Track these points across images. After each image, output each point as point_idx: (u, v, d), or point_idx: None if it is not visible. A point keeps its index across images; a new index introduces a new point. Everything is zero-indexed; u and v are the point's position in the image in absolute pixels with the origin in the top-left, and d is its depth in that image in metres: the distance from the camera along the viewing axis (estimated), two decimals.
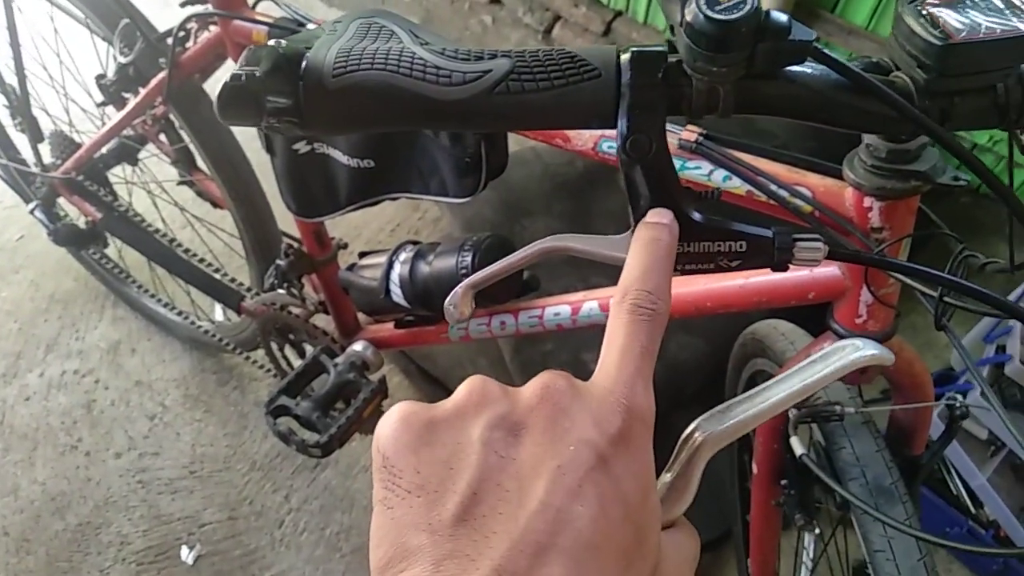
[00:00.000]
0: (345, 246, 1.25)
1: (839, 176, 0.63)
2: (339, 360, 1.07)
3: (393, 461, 0.28)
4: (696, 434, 0.32)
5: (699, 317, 0.79)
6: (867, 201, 0.61)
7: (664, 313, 0.32)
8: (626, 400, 0.29)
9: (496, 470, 0.27)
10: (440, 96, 0.39)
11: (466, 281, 0.43)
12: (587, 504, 0.26)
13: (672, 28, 0.38)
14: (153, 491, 1.64)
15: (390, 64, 0.40)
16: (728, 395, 1.12)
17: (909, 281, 0.53)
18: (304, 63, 0.40)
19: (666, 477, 0.33)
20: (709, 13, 0.34)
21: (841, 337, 0.70)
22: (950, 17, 0.38)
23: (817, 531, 0.95)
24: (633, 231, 0.40)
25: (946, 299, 0.55)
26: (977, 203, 1.94)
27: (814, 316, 0.76)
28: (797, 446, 0.74)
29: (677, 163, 0.70)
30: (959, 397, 0.72)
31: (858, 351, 0.35)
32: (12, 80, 1.37)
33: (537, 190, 1.88)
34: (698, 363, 1.52)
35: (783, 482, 0.87)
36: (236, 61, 1.00)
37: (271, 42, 0.39)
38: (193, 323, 1.61)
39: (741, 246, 0.39)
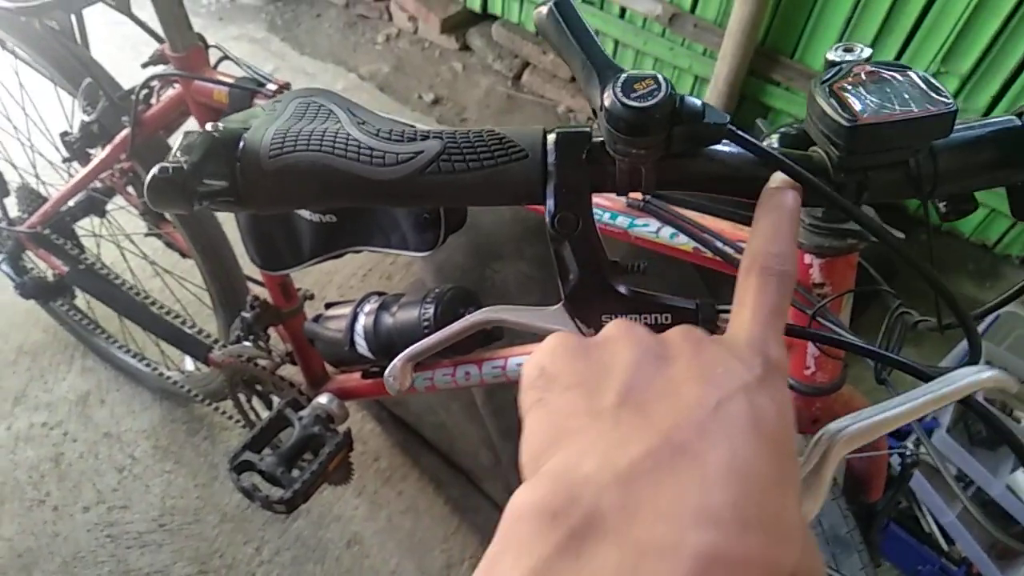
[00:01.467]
0: (311, 296, 1.25)
1: None
2: (304, 413, 1.07)
3: (550, 369, 0.30)
4: (828, 434, 0.33)
5: None
6: (807, 258, 0.63)
7: (792, 274, 0.34)
8: (763, 350, 0.30)
9: (650, 377, 0.28)
10: (374, 176, 0.41)
11: (403, 354, 0.43)
12: (740, 406, 0.26)
13: (594, 111, 0.39)
14: (122, 545, 1.61)
15: (325, 145, 0.41)
16: None
17: (844, 348, 0.55)
18: (241, 144, 0.41)
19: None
20: (625, 100, 0.36)
21: (792, 388, 0.71)
22: (858, 98, 0.39)
23: None
24: (563, 304, 0.41)
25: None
26: (937, 241, 1.98)
27: None
28: None
29: (626, 221, 0.71)
30: (909, 446, 0.73)
31: (980, 372, 0.36)
32: None
33: (508, 234, 1.90)
34: None
35: None
36: (197, 119, 1.02)
37: (208, 126, 0.40)
38: (162, 374, 1.60)
39: (667, 318, 0.40)
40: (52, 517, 1.65)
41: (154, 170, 0.37)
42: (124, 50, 2.56)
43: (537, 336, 0.42)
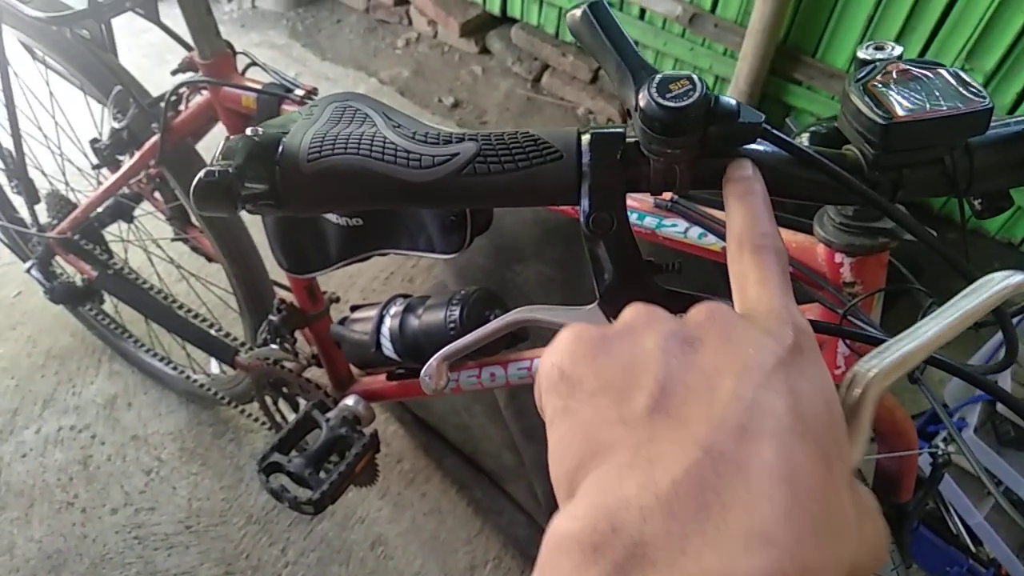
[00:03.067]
0: (337, 299, 1.26)
1: (810, 231, 0.65)
2: (331, 415, 1.08)
3: (571, 372, 0.28)
4: (861, 374, 0.31)
5: None
6: (838, 257, 0.63)
7: (784, 250, 0.33)
8: (790, 316, 0.29)
9: (680, 370, 0.26)
10: (411, 178, 0.41)
11: (440, 353, 0.44)
12: (779, 396, 0.25)
13: (629, 112, 0.39)
14: (149, 547, 1.63)
15: (363, 148, 0.42)
16: None
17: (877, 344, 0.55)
18: (280, 148, 0.42)
19: None
20: (660, 100, 0.36)
21: None
22: (894, 95, 0.39)
23: None
24: (598, 303, 0.41)
25: None
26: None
27: None
28: None
29: (654, 221, 0.72)
30: (941, 445, 0.73)
31: (1007, 278, 0.34)
32: (8, 143, 1.39)
33: (529, 236, 1.91)
34: None
35: None
36: (226, 125, 1.03)
37: (248, 131, 0.41)
38: (189, 377, 1.62)
39: None
40: (81, 519, 1.68)
41: (200, 174, 0.38)
42: (149, 57, 2.60)
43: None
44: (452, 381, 1.08)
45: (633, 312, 0.30)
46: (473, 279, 1.83)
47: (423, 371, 0.44)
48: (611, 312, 0.41)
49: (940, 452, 0.73)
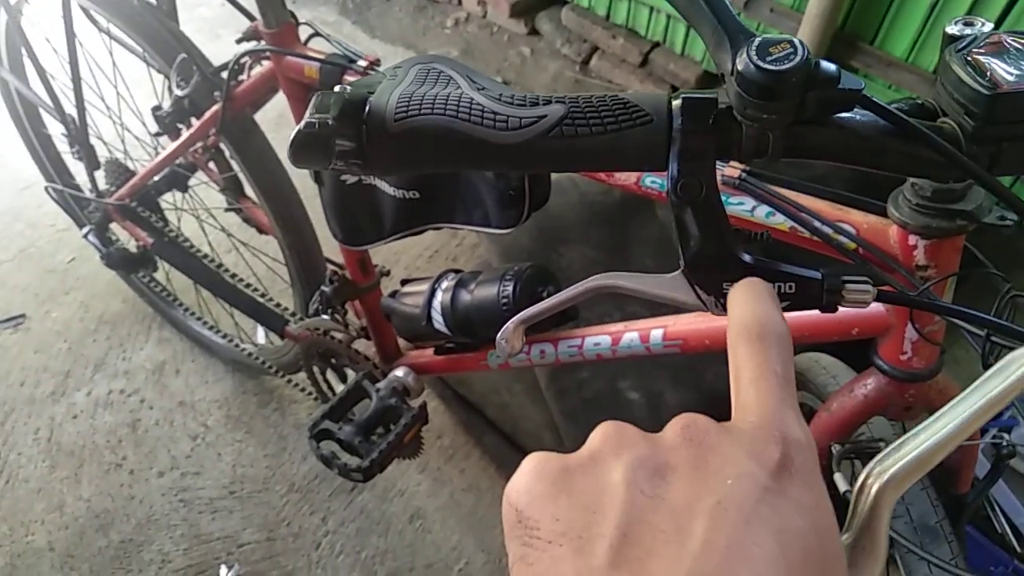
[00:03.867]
0: (387, 273, 1.27)
1: (883, 213, 0.64)
2: (381, 386, 1.09)
3: (528, 513, 0.25)
4: (872, 480, 0.29)
5: None
6: (912, 239, 0.61)
7: (788, 336, 0.30)
8: (779, 430, 0.26)
9: (646, 510, 0.24)
10: (497, 140, 0.41)
11: (517, 316, 0.44)
12: (760, 542, 0.22)
13: (722, 76, 0.39)
14: (194, 510, 1.67)
15: (449, 109, 0.42)
16: None
17: (956, 321, 0.54)
18: (367, 108, 0.42)
19: (846, 538, 0.29)
20: (760, 64, 0.36)
21: (885, 374, 0.70)
22: (998, 66, 0.38)
23: None
24: (683, 271, 0.41)
25: (993, 339, 0.55)
26: (1022, 235, 1.91)
27: (855, 348, 0.76)
28: (841, 483, 0.73)
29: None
30: (1005, 435, 0.71)
31: None
32: (71, 110, 1.42)
33: (574, 218, 1.90)
34: None
35: None
36: (287, 95, 1.04)
37: (337, 88, 0.41)
38: (237, 345, 1.65)
39: (790, 287, 0.39)
40: (128, 480, 1.72)
41: (299, 125, 0.38)
42: (202, 32, 2.63)
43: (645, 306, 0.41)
44: (501, 357, 1.08)
45: (601, 435, 0.27)
46: (517, 260, 1.83)
47: (500, 334, 0.44)
48: (696, 279, 0.40)
49: (1004, 443, 0.72)
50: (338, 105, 0.39)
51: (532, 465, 0.27)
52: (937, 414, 0.30)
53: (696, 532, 0.22)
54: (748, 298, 0.33)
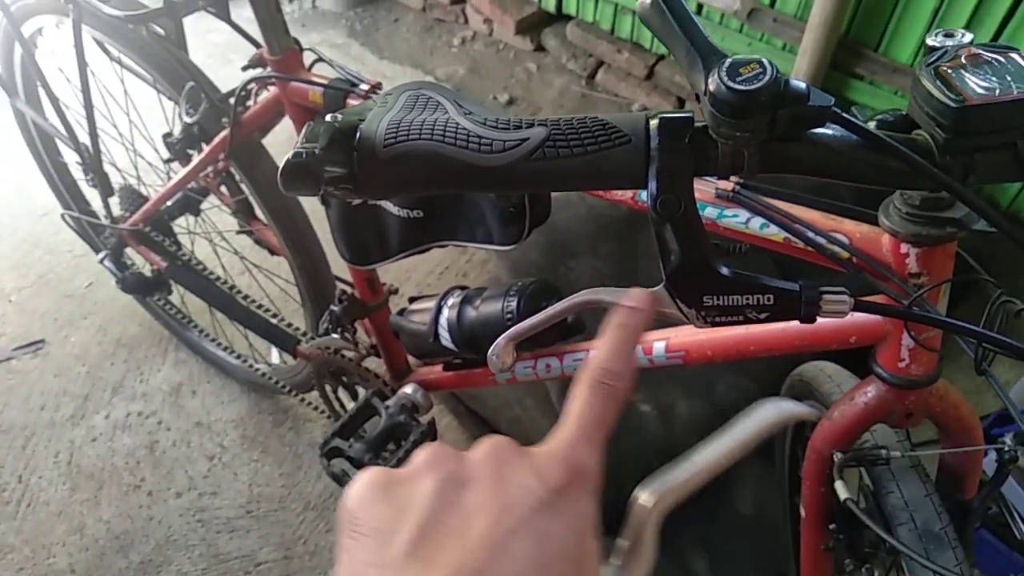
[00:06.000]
0: (396, 291, 1.29)
1: (875, 222, 0.65)
2: (390, 403, 1.10)
3: (355, 513, 0.30)
4: (642, 499, 0.34)
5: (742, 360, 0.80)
6: (904, 247, 0.62)
7: (622, 391, 0.35)
8: (568, 458, 0.31)
9: (443, 513, 0.29)
10: (482, 163, 0.43)
11: (507, 333, 0.45)
12: (525, 541, 0.28)
13: (697, 96, 0.40)
14: (212, 530, 1.68)
15: (436, 134, 0.43)
16: (776, 437, 1.12)
17: (945, 328, 0.54)
18: (358, 135, 0.44)
19: (622, 543, 0.34)
20: (730, 84, 0.37)
21: (884, 381, 0.71)
22: (967, 79, 0.39)
23: (875, 573, 0.93)
24: (664, 285, 0.42)
25: (985, 345, 0.56)
26: None
27: (861, 356, 0.76)
28: (842, 491, 0.74)
29: (714, 212, 0.72)
30: (1008, 441, 0.71)
31: (782, 411, 0.36)
32: (85, 138, 1.46)
33: (582, 232, 1.91)
34: (747, 403, 1.51)
35: (831, 527, 0.87)
36: (293, 119, 1.06)
37: (328, 117, 0.43)
38: (251, 366, 1.67)
39: (768, 299, 0.40)
40: (147, 501, 1.74)
41: (288, 155, 0.40)
42: (214, 57, 2.68)
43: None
44: (508, 372, 1.09)
45: (423, 455, 0.32)
46: (526, 274, 1.84)
47: (491, 350, 0.45)
48: (677, 293, 0.42)
49: (1007, 449, 0.72)
50: (327, 134, 0.41)
51: (367, 477, 0.32)
52: (699, 445, 0.36)
53: (476, 531, 0.28)
54: (607, 343, 0.37)
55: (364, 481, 0.32)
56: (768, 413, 0.36)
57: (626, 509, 0.34)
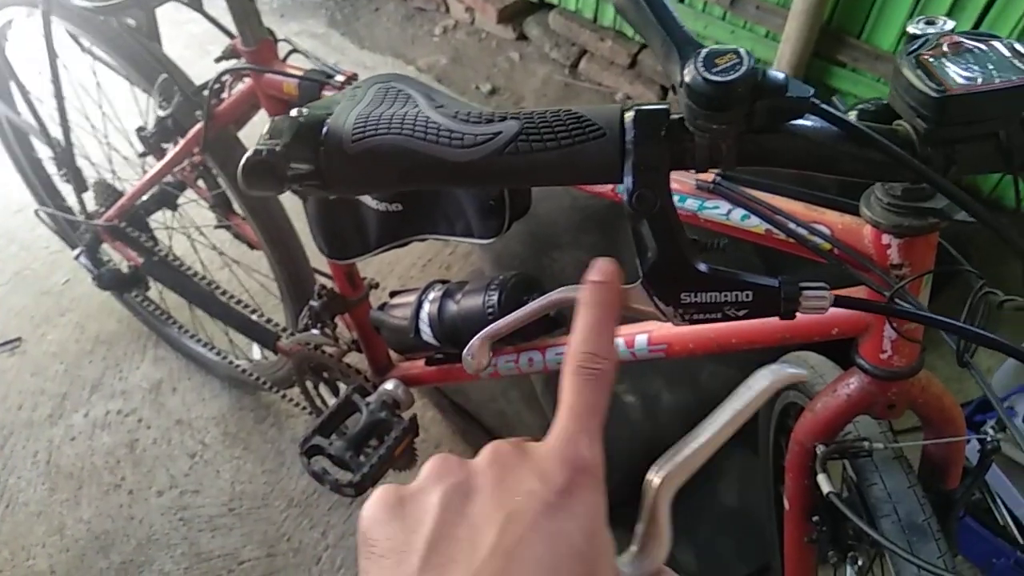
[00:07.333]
0: (376, 285, 1.27)
1: (857, 213, 0.64)
2: (371, 399, 1.09)
3: (369, 534, 0.31)
4: (653, 478, 0.33)
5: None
6: (885, 238, 0.61)
7: (608, 371, 0.34)
8: (570, 456, 0.31)
9: (451, 525, 0.29)
10: (453, 158, 0.41)
11: (482, 333, 0.44)
12: (535, 546, 0.27)
13: (673, 88, 0.39)
14: (194, 528, 1.67)
15: (406, 128, 0.42)
16: (761, 427, 1.12)
17: (928, 324, 0.53)
18: (325, 129, 0.42)
19: (638, 528, 0.34)
20: (707, 75, 0.36)
21: (867, 373, 0.70)
22: (948, 69, 0.38)
23: (860, 562, 0.93)
24: (641, 282, 0.41)
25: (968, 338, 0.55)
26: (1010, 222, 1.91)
27: (845, 346, 0.75)
28: (824, 483, 0.73)
29: (695, 203, 0.71)
30: (990, 431, 0.71)
31: (774, 374, 0.36)
32: (57, 132, 1.43)
33: (566, 223, 1.90)
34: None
35: (815, 519, 0.87)
36: (268, 111, 1.04)
37: (293, 112, 0.41)
38: (231, 362, 1.65)
39: (747, 295, 0.40)
40: (128, 501, 1.72)
41: (248, 153, 0.38)
42: (191, 48, 2.64)
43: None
44: (491, 365, 1.08)
45: (428, 468, 0.33)
46: (510, 266, 1.83)
47: (465, 350, 0.44)
48: (654, 290, 0.40)
49: (989, 439, 0.71)
50: (292, 130, 0.40)
51: (377, 496, 0.32)
52: (703, 422, 0.35)
53: (486, 541, 0.28)
54: (582, 326, 0.35)
55: (375, 500, 0.32)
56: (767, 379, 0.36)
57: (641, 493, 0.34)
